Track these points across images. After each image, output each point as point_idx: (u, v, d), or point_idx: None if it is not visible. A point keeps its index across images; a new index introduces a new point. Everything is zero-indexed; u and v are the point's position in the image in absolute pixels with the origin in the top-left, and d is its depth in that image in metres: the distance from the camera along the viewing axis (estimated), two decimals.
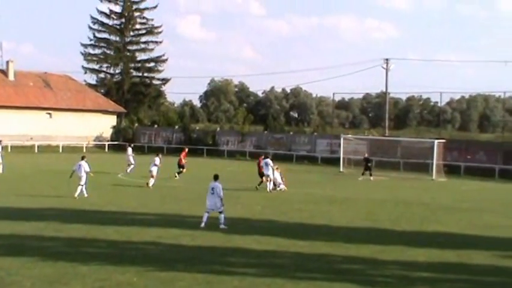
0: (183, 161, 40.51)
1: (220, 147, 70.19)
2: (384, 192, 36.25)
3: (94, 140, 76.96)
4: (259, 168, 35.21)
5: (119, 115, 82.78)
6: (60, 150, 69.67)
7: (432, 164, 49.31)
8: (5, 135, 66.67)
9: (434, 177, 47.86)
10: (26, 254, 15.52)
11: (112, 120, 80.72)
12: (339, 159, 54.60)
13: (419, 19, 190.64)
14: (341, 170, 52.34)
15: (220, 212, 20.76)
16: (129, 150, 45.17)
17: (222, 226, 20.56)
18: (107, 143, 76.21)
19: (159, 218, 22.86)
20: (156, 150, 72.35)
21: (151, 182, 33.70)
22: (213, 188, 20.75)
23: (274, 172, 34.37)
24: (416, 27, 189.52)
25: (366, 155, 47.64)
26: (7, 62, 76.94)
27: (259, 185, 34.24)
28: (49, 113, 75.09)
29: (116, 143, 76.91)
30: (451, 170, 51.46)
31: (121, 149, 73.90)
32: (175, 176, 39.14)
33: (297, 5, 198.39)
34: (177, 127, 77.70)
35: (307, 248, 17.71)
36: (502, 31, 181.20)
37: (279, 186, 34.53)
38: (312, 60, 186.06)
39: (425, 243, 19.20)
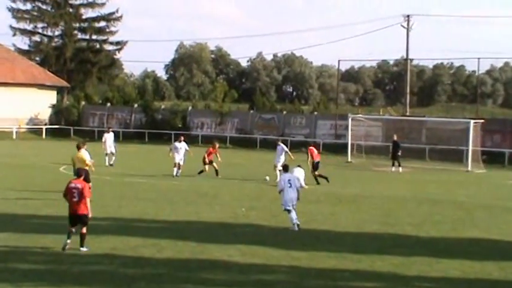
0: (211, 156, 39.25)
1: (192, 131, 70.13)
2: (404, 188, 36.35)
3: (27, 124, 76.59)
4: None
5: (60, 91, 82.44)
6: None
7: (467, 151, 49.51)
8: None
9: (469, 168, 48.09)
10: None
11: (51, 97, 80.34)
12: (346, 145, 54.75)
13: None
14: (349, 159, 52.51)
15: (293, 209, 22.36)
16: (111, 135, 44.47)
17: (296, 223, 22.25)
18: (44, 127, 75.87)
19: (114, 223, 22.78)
20: None
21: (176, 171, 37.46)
22: (289, 181, 22.40)
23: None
24: None
25: (395, 138, 47.41)
26: None
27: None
28: None
29: (56, 126, 76.63)
30: (491, 159, 51.77)
31: (63, 134, 73.80)
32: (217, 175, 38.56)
33: None
34: (136, 106, 77.50)
35: (305, 261, 17.71)
36: None
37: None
38: (311, 18, 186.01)
39: (459, 253, 19.27)
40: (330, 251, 18.95)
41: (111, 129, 46.51)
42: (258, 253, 18.49)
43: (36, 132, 75.21)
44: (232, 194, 31.21)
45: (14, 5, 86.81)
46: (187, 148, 38.85)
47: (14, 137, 70.85)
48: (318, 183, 36.22)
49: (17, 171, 38.84)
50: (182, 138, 39.51)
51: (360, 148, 54.57)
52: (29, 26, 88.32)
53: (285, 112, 71.51)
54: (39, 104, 77.37)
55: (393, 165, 46.08)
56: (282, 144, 39.53)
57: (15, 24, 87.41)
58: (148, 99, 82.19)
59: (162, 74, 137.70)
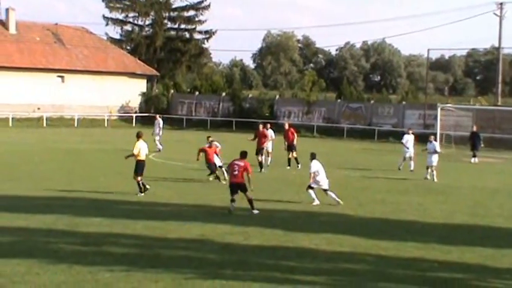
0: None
1: (279, 120, 70.20)
2: (496, 179, 35.78)
3: (118, 111, 77.92)
4: None
5: (150, 79, 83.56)
6: (75, 124, 70.79)
7: None
8: (4, 105, 68.33)
9: None
10: (32, 256, 15.80)
11: (141, 85, 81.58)
12: (435, 135, 54.02)
13: None
14: (438, 150, 51.77)
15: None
16: (161, 122, 46.06)
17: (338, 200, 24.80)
18: (134, 115, 77.07)
19: (201, 210, 23.00)
20: (196, 124, 73.43)
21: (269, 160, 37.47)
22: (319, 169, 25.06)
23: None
24: None
25: (474, 129, 46.67)
26: (7, 11, 78.15)
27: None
28: (61, 76, 76.37)
29: (145, 114, 77.71)
30: None
31: (152, 122, 74.67)
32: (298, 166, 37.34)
33: None
34: (224, 94, 78.07)
35: (393, 251, 17.59)
36: None
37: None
38: (400, 6, 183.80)
39: None
40: (418, 241, 18.76)
41: (159, 116, 48.31)
42: (345, 242, 18.43)
43: (127, 120, 76.50)
44: None
45: None
46: (273, 136, 38.58)
47: (106, 124, 72.18)
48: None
49: (108, 158, 39.59)
50: (269, 125, 39.23)
51: (449, 138, 53.76)
52: (120, 16, 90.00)
53: (372, 101, 71.00)
54: (129, 92, 78.78)
55: (474, 156, 45.17)
56: (435, 142, 38.00)
57: (107, 14, 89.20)
58: (236, 88, 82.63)
59: (249, 62, 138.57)
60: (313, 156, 25.45)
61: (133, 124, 74.80)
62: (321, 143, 58.25)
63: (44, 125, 69.30)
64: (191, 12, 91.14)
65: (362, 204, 25.39)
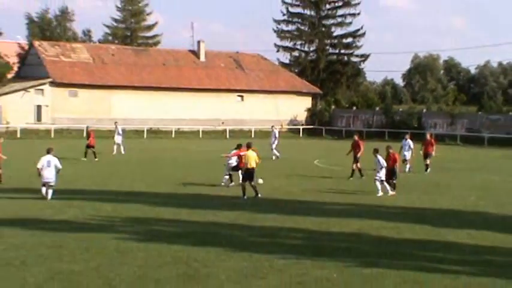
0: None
1: (426, 130, 68.71)
2: None
3: (288, 124, 78.82)
4: None
5: (314, 97, 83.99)
6: (252, 135, 72.06)
7: None
8: (196, 120, 70.83)
9: None
10: (220, 245, 16.22)
11: (307, 102, 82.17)
12: None
13: None
14: None
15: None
16: (276, 132, 45.37)
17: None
18: (301, 127, 77.74)
19: (359, 208, 22.90)
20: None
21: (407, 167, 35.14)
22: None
23: None
24: None
25: None
26: (198, 43, 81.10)
27: None
28: (241, 96, 78.13)
29: (310, 127, 78.27)
30: None
31: (316, 133, 75.42)
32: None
33: None
34: (377, 109, 77.35)
35: None
36: None
37: None
38: None
39: None
40: None
41: (272, 126, 47.68)
42: (487, 237, 17.83)
43: (295, 131, 77.26)
44: (463, 185, 30.29)
45: (278, 27, 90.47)
46: (412, 146, 36.75)
47: (277, 135, 72.96)
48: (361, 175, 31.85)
49: (281, 164, 40.02)
50: (407, 136, 37.33)
51: None
52: (290, 44, 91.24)
53: (511, 113, 68.28)
54: (297, 108, 79.75)
55: None
56: None
57: (279, 43, 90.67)
58: (388, 103, 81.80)
59: (399, 81, 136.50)
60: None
61: (300, 135, 75.51)
62: (463, 150, 56.72)
63: (227, 136, 71.07)
64: (349, 39, 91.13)
65: (503, 204, 24.41)
